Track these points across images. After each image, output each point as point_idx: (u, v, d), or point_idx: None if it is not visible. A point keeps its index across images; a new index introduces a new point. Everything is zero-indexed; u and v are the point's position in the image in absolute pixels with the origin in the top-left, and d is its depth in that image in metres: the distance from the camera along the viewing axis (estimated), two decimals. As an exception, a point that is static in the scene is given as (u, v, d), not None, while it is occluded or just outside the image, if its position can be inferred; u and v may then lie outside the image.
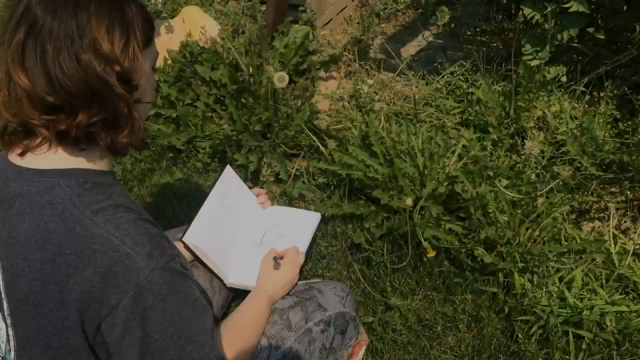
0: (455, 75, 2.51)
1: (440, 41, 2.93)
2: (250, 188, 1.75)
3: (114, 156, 1.07)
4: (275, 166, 2.19)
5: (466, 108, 2.39)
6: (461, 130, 2.32)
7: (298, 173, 2.23)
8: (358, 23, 3.07)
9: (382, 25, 3.09)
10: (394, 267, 1.81)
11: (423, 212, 1.89)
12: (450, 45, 2.86)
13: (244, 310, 1.37)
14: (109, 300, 0.92)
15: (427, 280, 1.78)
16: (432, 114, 2.42)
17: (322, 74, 2.62)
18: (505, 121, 2.17)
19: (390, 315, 1.68)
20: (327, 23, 3.01)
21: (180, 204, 2.09)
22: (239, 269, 1.64)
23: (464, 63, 2.51)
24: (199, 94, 2.34)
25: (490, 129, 2.19)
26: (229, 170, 1.68)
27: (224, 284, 1.63)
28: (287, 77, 1.88)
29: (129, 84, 0.97)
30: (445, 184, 2.02)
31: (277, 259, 1.51)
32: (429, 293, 1.76)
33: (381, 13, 3.09)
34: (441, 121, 2.38)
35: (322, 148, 2.18)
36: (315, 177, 2.20)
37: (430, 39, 2.97)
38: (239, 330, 1.31)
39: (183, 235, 1.53)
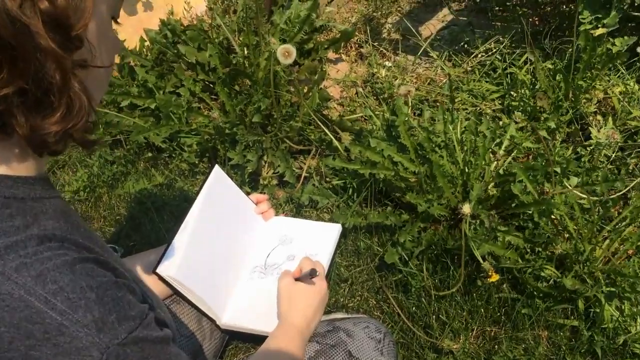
0: (491, 53, 2.09)
1: (465, 18, 2.51)
2: (248, 194, 1.34)
3: (38, 155, 0.65)
4: (279, 166, 1.76)
5: (507, 92, 1.98)
6: (503, 119, 1.90)
7: (307, 174, 1.80)
8: (368, 0, 2.65)
9: (397, 0, 2.67)
10: (439, 293, 1.39)
11: (474, 222, 1.47)
12: (477, 22, 2.45)
13: (268, 355, 1.01)
14: None
15: (483, 311, 1.36)
16: (466, 99, 2.00)
17: (330, 55, 2.20)
18: (564, 104, 1.75)
19: (442, 363, 1.26)
20: (333, 0, 2.59)
21: (160, 216, 1.65)
22: (237, 306, 1.23)
23: (501, 39, 2.10)
24: (182, 79, 1.92)
25: (544, 115, 1.77)
26: (218, 171, 1.27)
27: (217, 326, 1.21)
28: (294, 51, 1.45)
29: (66, 35, 0.56)
30: (492, 185, 1.61)
31: (306, 276, 1.11)
32: (488, 329, 1.34)
33: (394, -12, 2.68)
34: (477, 108, 1.96)
35: (335, 142, 1.76)
36: (329, 179, 1.78)
37: (453, 16, 2.55)
38: None
39: (157, 266, 1.11)
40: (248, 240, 1.31)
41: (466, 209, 1.19)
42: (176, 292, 1.14)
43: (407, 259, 1.45)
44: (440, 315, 1.36)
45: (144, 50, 2.05)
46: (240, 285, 1.25)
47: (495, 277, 1.25)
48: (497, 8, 2.45)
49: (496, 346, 1.31)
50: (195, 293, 1.14)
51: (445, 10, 2.59)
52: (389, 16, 2.53)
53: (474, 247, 1.33)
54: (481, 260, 1.29)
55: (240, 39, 2.00)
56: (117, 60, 2.07)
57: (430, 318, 1.36)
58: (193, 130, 1.82)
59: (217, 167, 1.27)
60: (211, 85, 1.98)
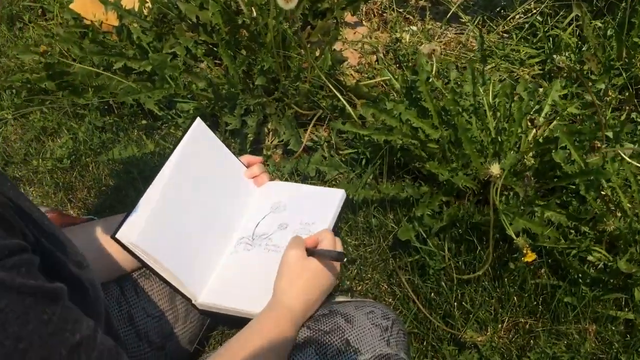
0: (531, 14, 1.85)
1: (501, -16, 2.26)
2: (238, 157, 1.14)
3: None
4: (284, 133, 1.55)
5: (549, 56, 1.73)
6: (543, 85, 1.66)
7: (314, 145, 1.59)
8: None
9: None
10: (463, 277, 1.16)
11: (506, 194, 1.24)
12: (515, -13, 2.20)
13: (249, 338, 0.84)
14: None
15: (515, 299, 1.13)
16: (500, 65, 1.76)
17: (348, 18, 1.99)
18: (616, 65, 1.50)
19: (464, 358, 1.03)
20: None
21: (147, 186, 1.46)
22: (216, 282, 1.03)
23: (543, -2, 1.85)
24: (181, 40, 1.73)
25: (593, 77, 1.52)
26: (199, 124, 1.07)
27: (193, 305, 1.01)
28: (296, -7, 1.25)
29: None
30: (530, 155, 1.37)
31: (325, 255, 0.90)
32: (521, 320, 1.10)
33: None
34: (514, 74, 1.72)
35: (349, 109, 1.55)
36: (340, 150, 1.57)
37: (488, -18, 2.30)
38: None
39: (117, 230, 0.92)
40: (234, 207, 1.11)
41: (495, 169, 0.96)
42: (143, 264, 0.95)
43: (425, 236, 1.22)
44: (463, 303, 1.14)
45: (144, 11, 1.88)
46: (222, 260, 1.05)
47: (531, 257, 1.01)
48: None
49: (532, 341, 1.07)
50: (164, 265, 0.95)
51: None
52: (416, -19, 2.30)
53: (506, 221, 1.10)
54: (514, 236, 1.06)
55: (248, -3, 1.81)
56: (114, 21, 1.90)
57: (451, 306, 1.13)
58: (190, 94, 1.63)
59: (198, 120, 1.07)
60: (214, 49, 1.80)
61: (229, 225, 1.09)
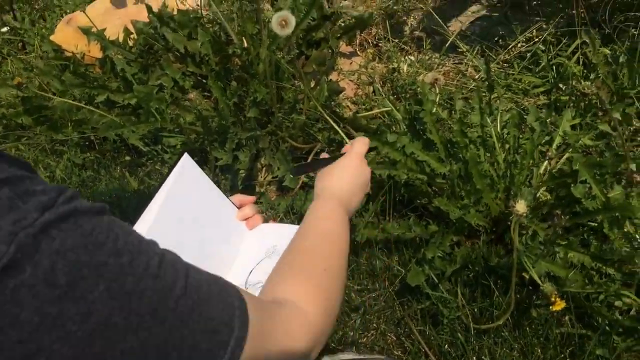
0: (532, 43, 1.78)
1: (497, 14, 2.21)
2: (228, 196, 1.03)
3: None
4: (278, 169, 1.45)
5: (554, 85, 1.65)
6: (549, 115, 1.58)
7: (310, 181, 1.49)
8: (387, -4, 2.37)
9: (419, -3, 2.39)
10: (480, 327, 1.04)
11: (524, 233, 1.13)
12: (512, 17, 2.14)
13: (309, 230, 0.84)
14: None
15: (540, 351, 1.01)
16: (504, 96, 1.68)
17: (344, 48, 1.91)
18: (629, 93, 1.42)
19: None
20: (347, -4, 2.32)
21: (131, 228, 1.35)
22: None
23: (545, 27, 1.78)
24: (168, 71, 1.63)
25: (609, 106, 1.43)
26: (187, 160, 0.96)
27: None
28: (292, 20, 1.16)
29: None
30: (543, 189, 1.27)
31: None
32: (548, 376, 0.98)
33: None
34: (519, 104, 1.64)
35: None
36: (339, 186, 1.46)
37: (484, 12, 2.25)
38: (309, 260, 0.78)
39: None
40: (226, 253, 1.00)
41: (520, 207, 0.85)
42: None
43: (436, 281, 1.11)
44: (482, 357, 1.02)
45: (129, 42, 1.79)
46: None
47: (560, 305, 0.90)
48: (535, 2, 2.15)
49: (562, 401, 0.96)
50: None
51: (475, 7, 2.29)
52: (412, 12, 2.24)
53: (528, 264, 0.99)
54: (540, 282, 0.95)
55: (239, 26, 1.72)
56: (98, 53, 1.81)
57: (469, 359, 1.01)
58: (177, 128, 1.53)
59: (186, 155, 0.96)
60: (204, 81, 1.70)
61: (219, 274, 0.97)
